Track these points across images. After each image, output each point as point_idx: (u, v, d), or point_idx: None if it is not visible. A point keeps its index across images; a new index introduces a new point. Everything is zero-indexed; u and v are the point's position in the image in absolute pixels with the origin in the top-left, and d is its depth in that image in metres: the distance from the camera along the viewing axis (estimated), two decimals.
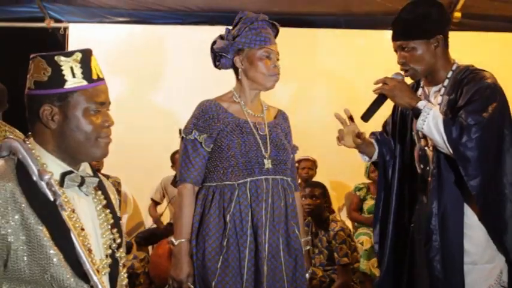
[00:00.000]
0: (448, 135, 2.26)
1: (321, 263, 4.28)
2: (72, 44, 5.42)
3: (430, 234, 2.36)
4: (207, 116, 2.42)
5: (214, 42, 2.50)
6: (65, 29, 5.47)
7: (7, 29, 5.41)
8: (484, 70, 2.43)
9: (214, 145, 2.40)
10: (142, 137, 5.34)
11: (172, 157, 5.12)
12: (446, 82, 2.44)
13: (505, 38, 5.50)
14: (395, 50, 2.46)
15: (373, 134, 2.77)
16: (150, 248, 5.25)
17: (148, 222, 5.57)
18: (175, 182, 5.06)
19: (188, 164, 2.41)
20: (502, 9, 5.12)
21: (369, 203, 5.21)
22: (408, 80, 2.52)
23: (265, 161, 2.39)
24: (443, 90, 2.44)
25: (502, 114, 2.32)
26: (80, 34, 5.46)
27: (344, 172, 5.37)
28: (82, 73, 1.46)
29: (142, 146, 5.34)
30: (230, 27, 2.51)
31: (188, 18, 5.45)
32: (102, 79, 1.52)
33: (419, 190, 2.53)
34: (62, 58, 1.45)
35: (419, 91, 2.55)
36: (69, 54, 1.46)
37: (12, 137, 1.45)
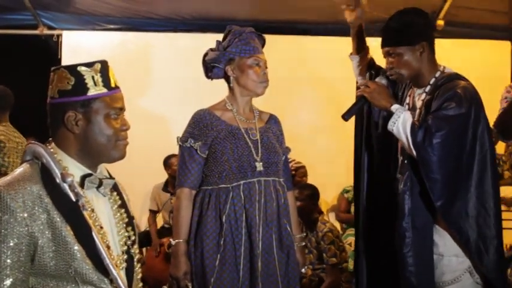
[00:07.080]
0: (413, 139, 2.38)
1: (311, 263, 4.40)
2: (65, 51, 5.44)
3: (403, 231, 2.46)
4: (201, 125, 2.57)
5: (205, 55, 2.65)
6: (58, 36, 5.47)
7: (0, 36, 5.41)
8: (461, 79, 2.51)
9: (209, 151, 2.55)
10: (133, 144, 5.36)
11: (165, 162, 5.21)
12: (428, 88, 2.53)
13: (485, 44, 5.68)
14: (384, 56, 2.58)
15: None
16: (144, 250, 5.33)
17: (142, 225, 5.63)
18: (166, 187, 5.18)
19: (185, 169, 2.56)
20: (483, 17, 5.30)
21: None
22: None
23: (257, 164, 2.54)
24: (424, 95, 2.54)
25: (466, 123, 2.40)
26: (73, 41, 5.48)
27: (333, 175, 5.47)
28: (102, 81, 1.56)
29: (134, 152, 5.35)
30: (220, 40, 2.65)
31: (180, 26, 5.51)
32: (119, 87, 1.62)
33: (397, 181, 2.60)
34: (84, 68, 1.54)
35: (410, 91, 2.65)
36: (90, 64, 1.56)
37: (34, 142, 1.53)
